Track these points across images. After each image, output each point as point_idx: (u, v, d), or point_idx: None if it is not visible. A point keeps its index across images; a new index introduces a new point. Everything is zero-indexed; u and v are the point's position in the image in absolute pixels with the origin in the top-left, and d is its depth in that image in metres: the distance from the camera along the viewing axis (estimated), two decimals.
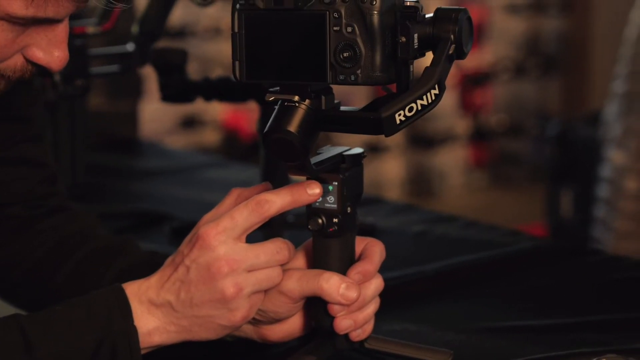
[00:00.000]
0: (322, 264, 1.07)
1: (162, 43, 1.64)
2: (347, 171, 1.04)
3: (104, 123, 2.34)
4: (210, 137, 4.35)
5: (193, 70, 1.61)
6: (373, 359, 1.12)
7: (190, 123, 4.30)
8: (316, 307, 1.08)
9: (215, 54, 4.25)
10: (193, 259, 1.02)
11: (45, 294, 1.18)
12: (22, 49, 0.96)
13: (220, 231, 1.01)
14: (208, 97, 1.55)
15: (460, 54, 0.97)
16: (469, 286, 1.40)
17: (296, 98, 0.99)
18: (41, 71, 0.98)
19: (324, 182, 1.04)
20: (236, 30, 0.99)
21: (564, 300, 1.34)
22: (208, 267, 1.01)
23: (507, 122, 5.06)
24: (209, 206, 1.08)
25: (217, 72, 4.06)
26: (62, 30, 0.96)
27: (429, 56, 0.98)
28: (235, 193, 1.07)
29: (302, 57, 0.97)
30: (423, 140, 4.86)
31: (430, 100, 0.97)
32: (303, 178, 1.04)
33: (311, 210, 1.05)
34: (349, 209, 1.05)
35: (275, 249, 1.03)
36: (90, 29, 1.59)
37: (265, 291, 1.04)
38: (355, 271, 1.07)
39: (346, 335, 1.08)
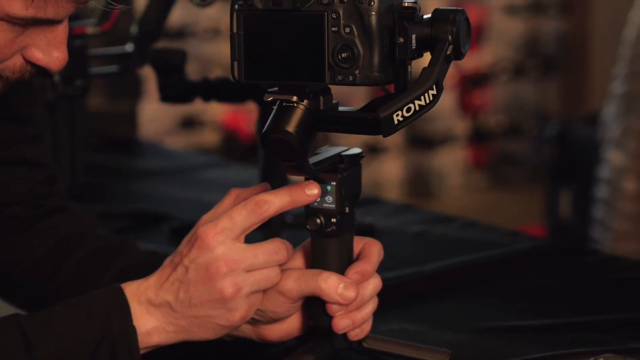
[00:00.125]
0: (321, 264, 1.07)
1: (162, 44, 1.64)
2: (345, 171, 1.05)
3: (103, 123, 2.35)
4: (209, 137, 4.35)
5: (192, 71, 1.61)
6: (371, 359, 1.12)
7: (189, 123, 4.30)
8: (314, 307, 1.08)
9: (214, 55, 4.25)
10: (192, 259, 1.02)
11: (45, 294, 1.18)
12: (21, 49, 0.96)
13: (219, 231, 1.01)
14: (207, 98, 1.55)
15: (458, 55, 0.98)
16: (467, 286, 1.40)
17: (294, 98, 0.99)
18: (40, 72, 0.98)
19: (322, 182, 1.04)
20: (235, 30, 0.99)
21: (562, 300, 1.35)
22: (207, 267, 1.01)
23: (506, 122, 5.06)
24: (208, 206, 1.08)
25: (216, 73, 4.05)
26: (61, 31, 0.96)
27: (427, 57, 0.98)
28: (234, 193, 1.07)
29: (301, 58, 0.98)
30: (422, 141, 4.86)
31: (428, 101, 0.97)
32: (301, 178, 1.05)
33: (309, 210, 1.06)
34: (347, 209, 1.05)
35: (273, 249, 1.03)
36: (90, 30, 1.59)
37: (264, 291, 1.05)
38: (354, 271, 1.07)
39: (344, 335, 1.08)
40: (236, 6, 0.99)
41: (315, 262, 1.07)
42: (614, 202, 2.80)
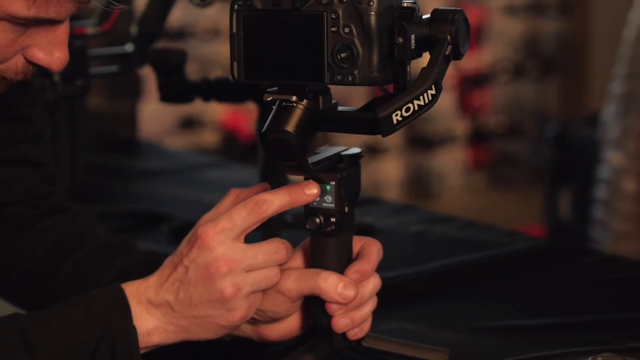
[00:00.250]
0: (320, 264, 1.07)
1: (161, 44, 1.64)
2: (344, 171, 1.05)
3: (103, 123, 2.35)
4: (209, 137, 4.35)
5: (192, 71, 1.61)
6: (370, 358, 1.12)
7: (189, 124, 4.30)
8: (314, 306, 1.08)
9: (214, 55, 4.25)
10: (192, 259, 1.02)
11: (45, 294, 1.18)
12: (22, 49, 0.96)
13: (218, 231, 1.02)
14: (207, 98, 1.55)
15: (457, 55, 0.98)
16: (466, 286, 1.40)
17: (294, 98, 0.99)
18: (41, 71, 0.99)
19: (321, 181, 1.04)
20: (234, 30, 0.99)
21: (561, 300, 1.35)
22: (207, 267, 1.01)
23: (505, 123, 5.06)
24: (207, 206, 1.08)
25: (215, 73, 4.05)
26: (62, 31, 0.96)
27: (426, 57, 0.98)
28: (233, 193, 1.07)
29: (300, 58, 0.98)
30: (422, 141, 4.86)
31: (427, 101, 0.97)
32: (301, 178, 1.05)
33: (309, 210, 1.06)
34: (346, 209, 1.05)
35: (273, 248, 1.04)
36: (90, 30, 1.59)
37: (264, 291, 1.05)
38: (353, 270, 1.07)
39: (344, 334, 1.08)
40: (236, 6, 0.99)
41: (314, 261, 1.08)
42: (614, 202, 2.80)
